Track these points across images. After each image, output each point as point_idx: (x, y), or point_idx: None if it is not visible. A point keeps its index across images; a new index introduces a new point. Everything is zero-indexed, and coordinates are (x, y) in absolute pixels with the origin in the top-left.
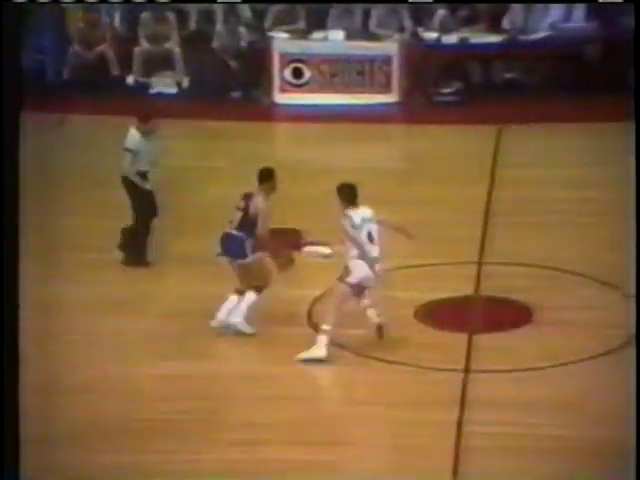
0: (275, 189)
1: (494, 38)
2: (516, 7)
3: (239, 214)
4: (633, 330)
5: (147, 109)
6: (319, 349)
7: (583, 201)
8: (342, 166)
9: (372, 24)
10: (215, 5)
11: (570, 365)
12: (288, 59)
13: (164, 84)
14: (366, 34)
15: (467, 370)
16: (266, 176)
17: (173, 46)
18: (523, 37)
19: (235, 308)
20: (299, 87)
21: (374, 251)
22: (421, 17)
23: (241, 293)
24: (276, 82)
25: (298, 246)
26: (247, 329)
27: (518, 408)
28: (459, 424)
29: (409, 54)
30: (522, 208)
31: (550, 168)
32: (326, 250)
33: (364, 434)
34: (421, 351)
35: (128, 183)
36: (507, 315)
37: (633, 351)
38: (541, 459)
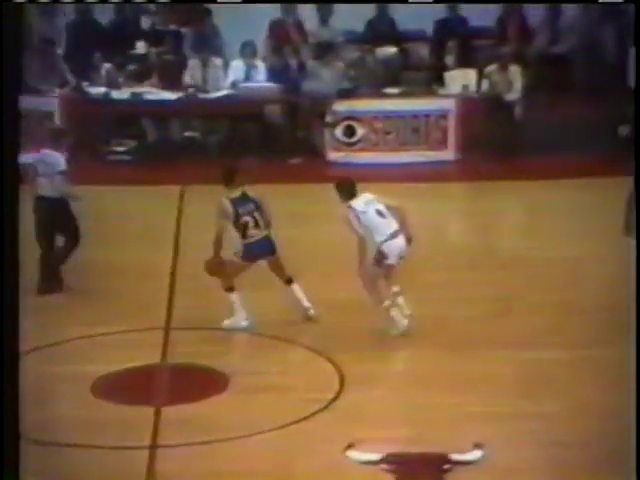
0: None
1: (171, 95)
2: (195, 64)
3: (257, 215)
4: (332, 394)
5: None
6: (401, 322)
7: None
8: None
9: (30, 77)
10: None
11: (267, 433)
12: None
13: None
14: (22, 88)
15: (154, 446)
16: (231, 174)
17: None
18: (203, 95)
19: None
20: None
21: (392, 225)
22: (86, 71)
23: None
24: None
25: None
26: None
27: None
28: None
29: (72, 110)
30: None
31: None
32: None
33: None
34: (99, 430)
35: (59, 205)
36: (199, 383)
37: (331, 416)
38: None
